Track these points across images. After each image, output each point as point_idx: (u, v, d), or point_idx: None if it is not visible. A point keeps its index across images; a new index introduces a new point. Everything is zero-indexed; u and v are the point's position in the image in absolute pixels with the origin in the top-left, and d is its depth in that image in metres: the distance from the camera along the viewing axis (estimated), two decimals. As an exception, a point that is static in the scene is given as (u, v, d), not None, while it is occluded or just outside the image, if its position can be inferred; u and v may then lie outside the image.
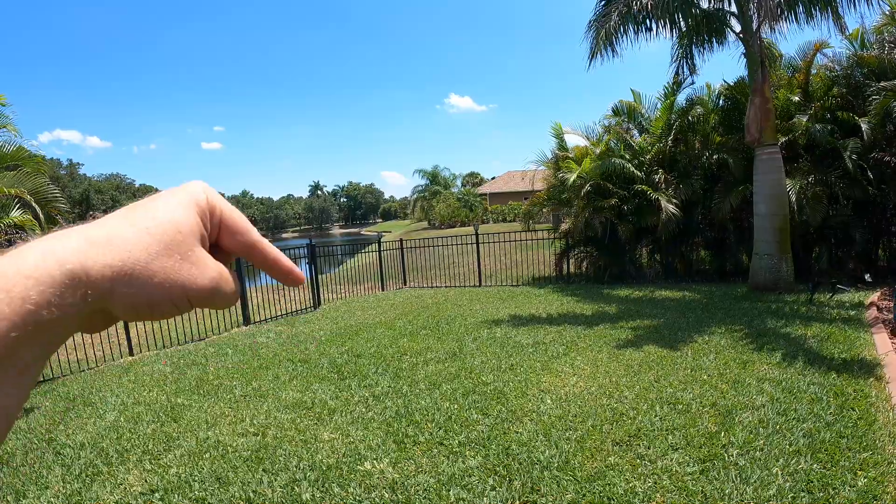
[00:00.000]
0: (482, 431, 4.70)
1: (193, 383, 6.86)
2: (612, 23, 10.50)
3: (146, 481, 4.30)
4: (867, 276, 10.31)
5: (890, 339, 6.53)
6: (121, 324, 9.04)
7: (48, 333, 0.34)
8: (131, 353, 8.92)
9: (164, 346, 9.31)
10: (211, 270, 0.43)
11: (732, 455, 3.96)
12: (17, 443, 5.31)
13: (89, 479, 4.41)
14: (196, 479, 4.26)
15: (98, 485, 4.30)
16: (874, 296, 9.04)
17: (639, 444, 4.27)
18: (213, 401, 6.12)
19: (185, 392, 6.54)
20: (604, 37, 10.66)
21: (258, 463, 4.45)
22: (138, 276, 0.38)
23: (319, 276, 13.10)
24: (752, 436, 4.23)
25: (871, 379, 5.22)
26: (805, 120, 11.10)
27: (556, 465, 4.02)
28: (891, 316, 7.33)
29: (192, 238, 0.42)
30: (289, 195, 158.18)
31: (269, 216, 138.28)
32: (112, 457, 4.79)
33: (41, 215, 11.17)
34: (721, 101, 13.02)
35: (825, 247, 11.88)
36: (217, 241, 0.47)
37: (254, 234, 0.49)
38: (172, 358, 8.35)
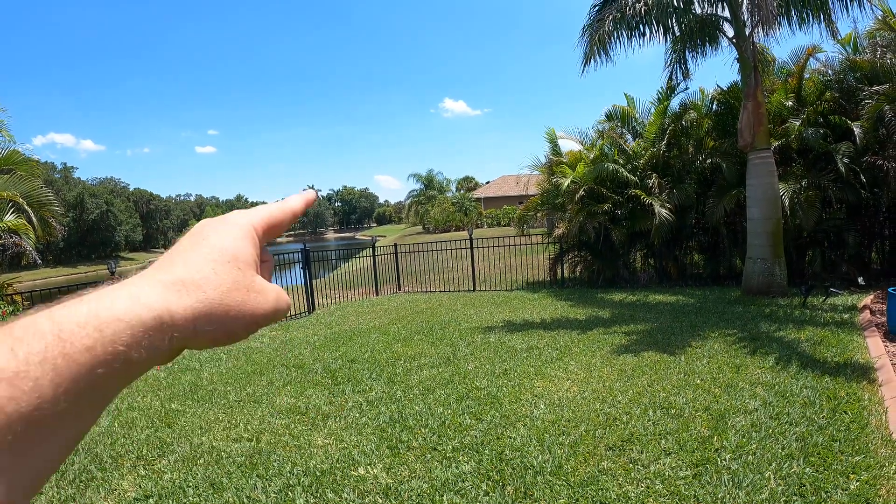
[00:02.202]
0: (476, 436, 4.70)
1: (188, 388, 6.83)
2: (606, 28, 10.53)
3: (140, 487, 4.28)
4: (860, 280, 10.35)
5: (883, 342, 6.55)
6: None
7: (133, 371, 0.37)
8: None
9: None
10: (270, 294, 0.47)
11: (725, 459, 3.97)
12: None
13: (83, 485, 4.38)
14: (190, 484, 4.24)
15: (92, 490, 4.27)
16: (867, 299, 9.08)
17: (632, 449, 4.27)
18: (207, 406, 6.10)
19: (179, 397, 6.51)
20: (598, 42, 10.69)
21: (252, 468, 4.43)
22: (215, 313, 0.41)
23: (314, 281, 13.09)
24: (744, 440, 4.24)
25: (864, 382, 5.23)
26: (798, 124, 11.15)
27: (549, 469, 4.01)
28: (884, 319, 7.35)
29: (251, 270, 0.46)
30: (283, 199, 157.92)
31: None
32: (106, 462, 4.76)
33: (35, 219, 11.15)
34: (714, 106, 13.07)
35: (818, 250, 11.93)
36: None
37: (280, 216, 0.54)
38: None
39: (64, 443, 0.34)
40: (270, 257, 0.54)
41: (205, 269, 0.43)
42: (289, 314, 11.80)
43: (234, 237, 0.47)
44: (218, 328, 0.42)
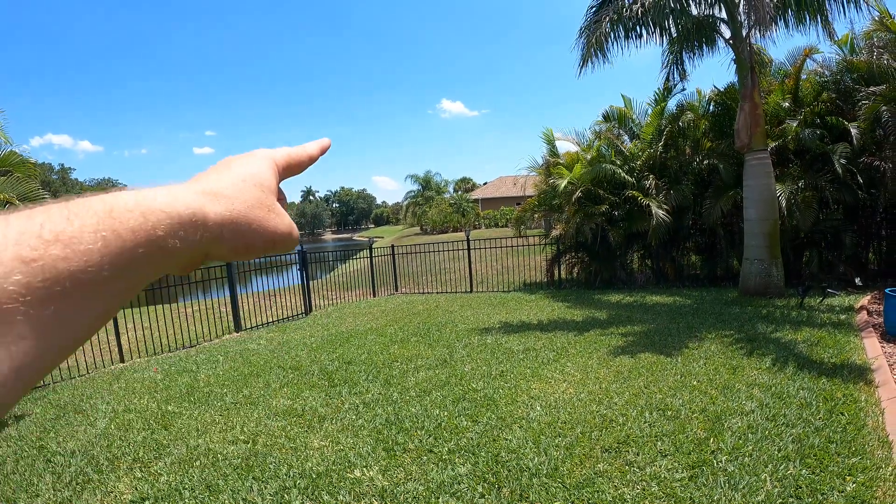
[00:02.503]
0: (472, 438, 4.69)
1: (184, 391, 6.82)
2: (603, 30, 10.54)
3: (136, 489, 4.27)
4: (857, 280, 10.37)
5: (880, 343, 6.56)
6: (111, 330, 9.01)
7: (164, 260, 0.41)
8: (122, 360, 8.87)
9: (154, 353, 9.27)
10: (287, 219, 0.53)
11: (721, 461, 3.96)
12: (8, 450, 5.27)
13: (80, 487, 4.38)
14: (186, 486, 4.23)
15: (88, 493, 4.27)
16: (864, 299, 9.09)
17: (628, 451, 4.26)
18: (203, 408, 6.09)
19: (175, 399, 6.50)
20: (594, 43, 10.69)
21: (248, 471, 4.42)
22: (240, 223, 0.47)
23: (311, 283, 13.08)
24: (741, 441, 4.23)
25: (861, 383, 5.23)
26: (795, 125, 11.16)
27: (545, 472, 4.01)
28: (881, 320, 7.35)
29: (272, 195, 0.52)
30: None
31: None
32: (103, 464, 4.76)
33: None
34: (711, 107, 13.07)
35: (815, 251, 11.93)
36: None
37: (298, 156, 0.60)
38: (163, 365, 8.31)
39: (95, 314, 0.37)
40: (284, 195, 0.59)
41: (233, 185, 0.49)
42: (286, 315, 11.85)
43: (258, 165, 0.53)
44: (239, 239, 0.47)
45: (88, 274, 0.35)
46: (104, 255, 0.36)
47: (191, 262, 0.45)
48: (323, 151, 0.64)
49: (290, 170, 0.59)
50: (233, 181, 0.49)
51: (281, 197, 0.56)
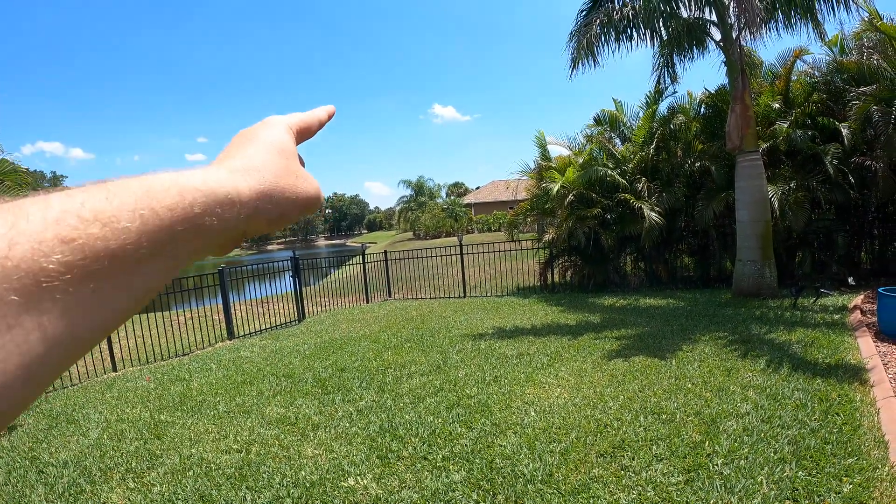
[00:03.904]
0: (466, 445, 4.66)
1: (177, 399, 6.78)
2: (594, 32, 10.55)
3: (129, 500, 4.24)
4: (850, 280, 10.39)
5: (874, 342, 6.55)
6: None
7: (202, 239, 0.42)
8: (114, 369, 8.81)
9: (147, 362, 9.21)
10: (313, 182, 0.55)
11: (717, 464, 3.94)
12: (0, 461, 5.22)
13: (72, 498, 4.35)
14: (180, 497, 4.19)
15: (81, 503, 4.24)
16: (858, 299, 9.09)
17: (623, 456, 4.23)
18: (196, 417, 6.04)
19: (168, 408, 6.45)
20: (585, 46, 10.70)
21: (242, 480, 4.38)
22: (273, 193, 0.49)
23: (304, 289, 13.03)
24: (736, 444, 4.21)
25: (856, 383, 5.22)
26: (786, 126, 11.18)
27: (539, 478, 3.98)
28: (874, 319, 7.36)
29: (295, 159, 0.55)
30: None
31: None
32: (95, 475, 4.73)
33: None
34: (702, 109, 13.11)
35: (808, 251, 11.93)
36: None
37: (310, 120, 0.62)
38: (156, 374, 8.25)
39: (133, 294, 0.38)
40: (303, 159, 0.60)
41: (260, 157, 0.50)
42: (279, 322, 11.80)
43: (277, 133, 0.55)
44: (274, 208, 0.49)
45: (127, 252, 0.36)
46: (142, 233, 0.37)
47: (230, 240, 0.46)
48: (330, 117, 0.66)
49: (303, 134, 0.61)
50: (258, 153, 0.51)
51: (300, 161, 0.58)
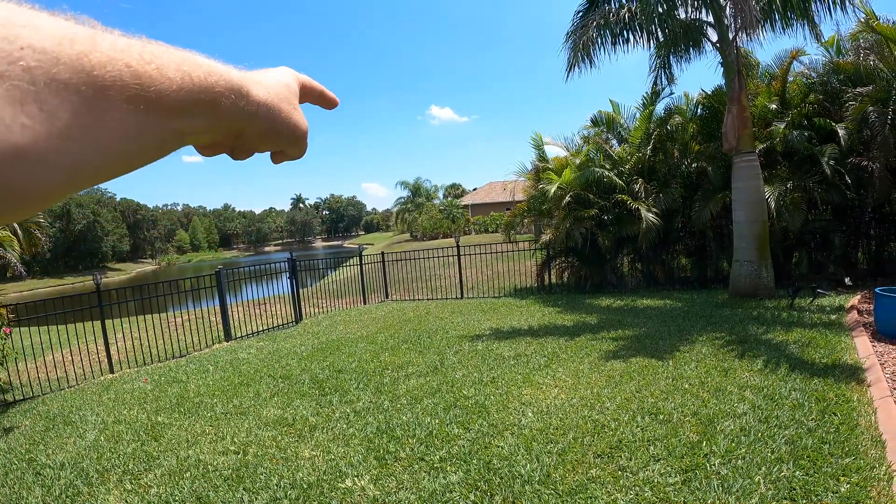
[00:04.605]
0: (463, 446, 4.65)
1: (174, 401, 6.77)
2: (590, 34, 10.56)
3: (126, 502, 4.24)
4: (847, 280, 10.40)
5: (871, 342, 6.56)
6: (100, 340, 8.94)
7: (215, 114, 0.48)
8: (111, 371, 8.80)
9: (144, 363, 9.20)
10: (305, 121, 0.62)
11: (714, 464, 3.94)
12: (-4, 464, 5.22)
13: (69, 500, 4.36)
14: (177, 499, 4.20)
15: (77, 506, 4.24)
16: (854, 299, 9.11)
17: (620, 456, 4.23)
18: (193, 419, 6.03)
19: (165, 410, 6.45)
20: (581, 48, 10.73)
21: (239, 482, 4.38)
22: (273, 108, 0.56)
23: (301, 291, 13.02)
24: (733, 444, 4.21)
25: (853, 383, 5.23)
26: (782, 127, 11.20)
27: (537, 478, 3.97)
28: (871, 319, 7.38)
29: (296, 97, 0.62)
30: (271, 208, 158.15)
31: (252, 230, 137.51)
32: (92, 477, 4.73)
33: (19, 231, 11.03)
34: (699, 110, 13.13)
35: (805, 252, 11.95)
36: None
37: (316, 86, 0.69)
38: (153, 375, 8.24)
39: (155, 139, 0.43)
40: (303, 113, 0.66)
41: (270, 81, 0.57)
42: (276, 324, 11.79)
43: (287, 75, 0.62)
44: (270, 122, 0.56)
45: (169, 97, 0.42)
46: (181, 87, 0.43)
47: (231, 131, 0.52)
48: (330, 101, 0.72)
49: (307, 92, 0.67)
50: (269, 79, 0.58)
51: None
